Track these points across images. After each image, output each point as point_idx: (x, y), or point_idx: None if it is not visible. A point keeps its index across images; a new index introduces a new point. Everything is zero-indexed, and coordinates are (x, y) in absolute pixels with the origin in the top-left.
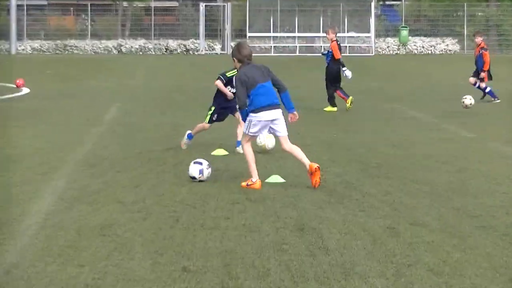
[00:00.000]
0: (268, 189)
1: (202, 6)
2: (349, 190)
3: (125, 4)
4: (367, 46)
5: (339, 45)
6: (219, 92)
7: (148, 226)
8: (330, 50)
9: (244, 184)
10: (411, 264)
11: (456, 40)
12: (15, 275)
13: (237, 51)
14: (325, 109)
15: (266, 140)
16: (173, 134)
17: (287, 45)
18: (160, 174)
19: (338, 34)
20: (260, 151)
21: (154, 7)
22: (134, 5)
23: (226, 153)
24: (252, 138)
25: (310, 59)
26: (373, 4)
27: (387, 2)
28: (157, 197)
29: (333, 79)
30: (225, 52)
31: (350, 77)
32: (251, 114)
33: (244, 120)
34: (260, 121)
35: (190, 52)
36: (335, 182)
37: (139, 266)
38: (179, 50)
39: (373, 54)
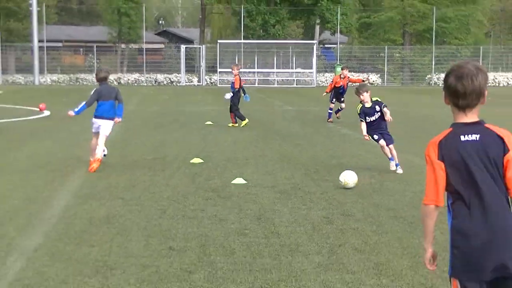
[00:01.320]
0: (234, 188)
1: (183, 47)
2: (295, 190)
3: (123, 46)
4: (310, 79)
5: (240, 78)
6: None
7: (142, 217)
8: (233, 82)
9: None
10: (341, 244)
11: (379, 75)
12: (41, 252)
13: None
14: (241, 125)
15: (346, 177)
16: (159, 147)
17: (248, 78)
18: (151, 177)
19: (288, 70)
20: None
21: (145, 48)
22: (130, 47)
23: (201, 161)
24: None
25: (266, 89)
26: (315, 47)
27: (326, 45)
28: (149, 195)
29: (237, 102)
30: (201, 83)
31: (227, 97)
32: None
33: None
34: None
35: (174, 83)
36: (285, 184)
37: (135, 246)
38: (165, 82)
39: (315, 85)
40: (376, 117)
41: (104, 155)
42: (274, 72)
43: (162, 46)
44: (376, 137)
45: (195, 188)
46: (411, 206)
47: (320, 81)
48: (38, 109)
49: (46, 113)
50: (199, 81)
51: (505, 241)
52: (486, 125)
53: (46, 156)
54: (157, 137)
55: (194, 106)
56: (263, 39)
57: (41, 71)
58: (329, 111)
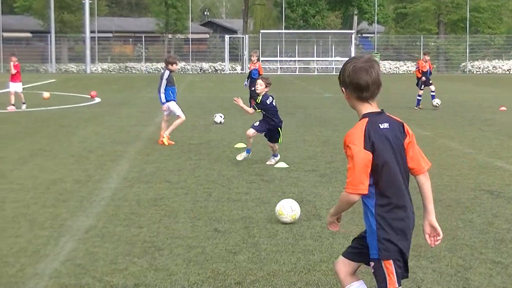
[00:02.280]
0: (276, 172)
1: (227, 37)
2: (336, 173)
3: (170, 36)
4: None
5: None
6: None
7: (188, 199)
8: (256, 68)
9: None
10: None
11: (414, 63)
12: (92, 233)
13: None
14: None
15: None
16: (204, 132)
17: (289, 66)
18: (197, 161)
19: (327, 58)
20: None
21: (191, 38)
22: (177, 37)
23: (245, 146)
24: None
25: (306, 77)
26: (353, 37)
27: (364, 35)
28: (195, 178)
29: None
30: (244, 71)
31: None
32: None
33: None
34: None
35: (218, 71)
36: (325, 167)
37: (182, 227)
38: (210, 70)
39: None
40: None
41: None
42: (314, 60)
43: (207, 36)
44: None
45: (239, 172)
46: (448, 189)
47: None
48: (89, 96)
49: (97, 100)
50: (242, 69)
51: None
52: (387, 113)
53: (97, 141)
54: (201, 122)
55: (237, 93)
56: (303, 29)
57: (93, 60)
58: (418, 97)
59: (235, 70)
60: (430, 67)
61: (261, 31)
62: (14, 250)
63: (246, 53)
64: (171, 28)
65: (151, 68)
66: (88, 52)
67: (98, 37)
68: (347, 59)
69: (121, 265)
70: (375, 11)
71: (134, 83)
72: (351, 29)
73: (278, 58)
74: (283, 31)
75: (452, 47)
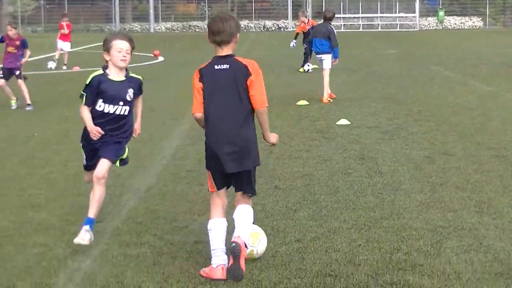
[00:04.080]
0: (338, 129)
1: None
2: (398, 130)
3: None
4: (413, 24)
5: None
6: None
7: None
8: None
9: None
10: (443, 183)
11: (480, 18)
12: (153, 192)
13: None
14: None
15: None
16: (267, 89)
17: (353, 23)
18: None
19: (391, 14)
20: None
21: None
22: None
23: (307, 103)
24: None
25: (370, 33)
26: None
27: None
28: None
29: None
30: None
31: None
32: None
33: None
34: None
35: (281, 29)
36: (387, 124)
37: None
38: (273, 28)
39: (418, 29)
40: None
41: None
42: (377, 16)
43: None
44: None
45: (301, 130)
46: None
47: (423, 25)
48: (152, 56)
49: (160, 59)
50: None
51: (233, 143)
52: (236, 57)
53: (159, 100)
54: (265, 80)
55: (302, 50)
56: None
57: (156, 19)
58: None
59: None
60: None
61: None
62: (77, 208)
63: (309, 10)
64: None
65: None
66: (151, 11)
67: None
68: (412, 15)
69: (182, 223)
70: None
71: (198, 43)
72: None
73: (342, 15)
74: None
75: None
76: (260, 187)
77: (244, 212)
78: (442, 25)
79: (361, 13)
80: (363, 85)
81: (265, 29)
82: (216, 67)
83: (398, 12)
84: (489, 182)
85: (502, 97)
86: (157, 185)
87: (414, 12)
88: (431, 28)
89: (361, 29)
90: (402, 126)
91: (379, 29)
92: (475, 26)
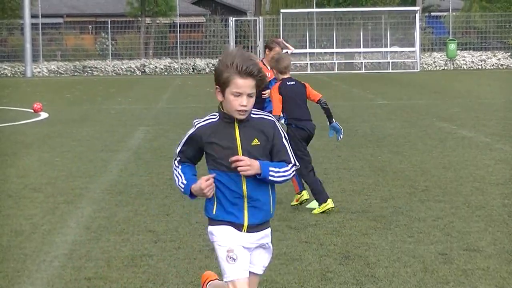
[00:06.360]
0: (309, 216)
1: (231, 20)
2: (397, 215)
3: (147, 20)
4: (412, 62)
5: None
6: None
7: (182, 257)
8: None
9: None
10: None
11: (509, 53)
12: None
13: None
14: None
15: None
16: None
17: (324, 62)
18: (192, 202)
19: (380, 49)
20: None
21: (179, 23)
22: (158, 22)
23: None
24: None
25: (350, 76)
26: (417, 16)
27: (433, 14)
28: (190, 226)
29: None
30: None
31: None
32: None
33: None
34: None
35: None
36: (381, 207)
37: None
38: (207, 70)
39: (419, 70)
40: None
41: None
42: (360, 52)
43: (202, 19)
44: None
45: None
46: None
47: (426, 64)
48: (32, 111)
49: (43, 115)
50: None
51: None
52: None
53: (45, 175)
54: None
55: None
56: (343, 7)
57: (35, 58)
58: None
59: None
60: None
61: (282, 10)
62: None
63: (260, 42)
64: (149, 9)
65: (121, 68)
66: (28, 46)
67: (42, 23)
68: (411, 49)
69: None
70: None
71: (97, 90)
72: (415, 5)
73: (308, 50)
74: (314, 9)
75: None
76: None
77: None
78: (453, 64)
79: (336, 47)
80: (342, 151)
81: (195, 71)
82: (288, 83)
83: (390, 46)
84: None
85: None
86: None
87: (414, 46)
88: (438, 68)
89: (336, 71)
90: (403, 209)
91: (363, 70)
92: (501, 64)
